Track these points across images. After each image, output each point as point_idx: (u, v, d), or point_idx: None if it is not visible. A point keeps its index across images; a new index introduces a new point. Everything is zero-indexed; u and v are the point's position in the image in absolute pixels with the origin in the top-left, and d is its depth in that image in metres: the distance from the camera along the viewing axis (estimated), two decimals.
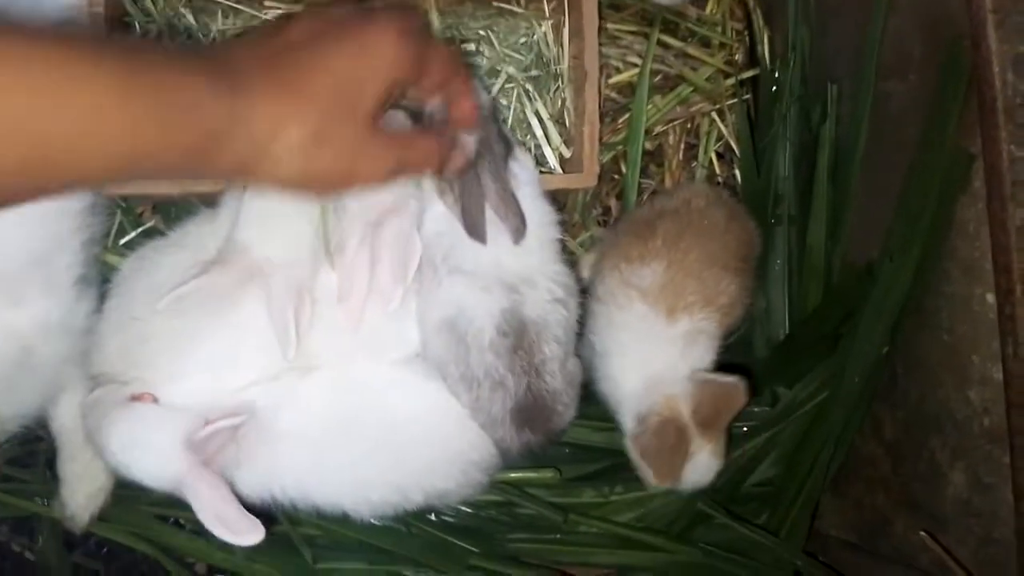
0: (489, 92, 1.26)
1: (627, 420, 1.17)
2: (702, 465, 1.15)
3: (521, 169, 1.14)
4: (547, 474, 1.29)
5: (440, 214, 1.10)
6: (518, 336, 1.08)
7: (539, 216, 1.14)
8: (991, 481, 1.08)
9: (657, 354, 1.15)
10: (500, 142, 1.10)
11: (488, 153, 1.06)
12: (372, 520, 1.17)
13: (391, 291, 1.03)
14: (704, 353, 1.18)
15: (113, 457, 1.01)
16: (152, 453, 0.98)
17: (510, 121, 1.37)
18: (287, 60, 0.73)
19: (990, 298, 1.05)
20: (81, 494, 1.19)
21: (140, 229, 1.30)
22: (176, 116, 0.63)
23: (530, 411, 1.10)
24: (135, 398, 1.03)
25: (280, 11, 1.30)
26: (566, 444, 1.32)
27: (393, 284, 1.03)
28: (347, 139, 0.75)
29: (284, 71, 0.72)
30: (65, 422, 1.21)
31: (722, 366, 1.20)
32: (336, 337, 1.09)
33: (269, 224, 1.05)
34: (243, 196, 1.08)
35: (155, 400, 1.03)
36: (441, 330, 1.09)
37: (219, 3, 1.29)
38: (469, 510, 1.29)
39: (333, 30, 0.77)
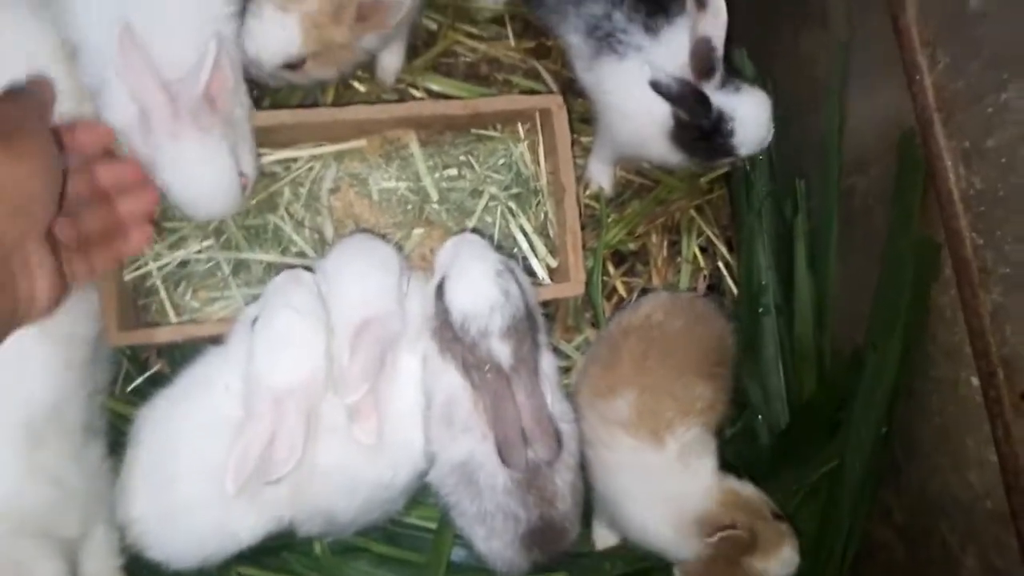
0: (486, 236, 1.30)
1: (669, 551, 1.17)
2: (787, 560, 1.15)
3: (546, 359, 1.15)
4: None
5: (453, 384, 1.11)
6: (532, 476, 1.09)
7: (551, 371, 1.16)
8: (1002, 565, 1.08)
9: (663, 483, 1.16)
10: (534, 347, 1.10)
11: (523, 366, 1.07)
12: None
13: (357, 385, 1.05)
14: (706, 459, 1.19)
15: None
16: None
17: (496, 237, 1.42)
18: None
19: (975, 381, 1.07)
20: None
21: (146, 375, 1.34)
22: None
23: (540, 535, 1.12)
24: None
25: (271, 157, 1.38)
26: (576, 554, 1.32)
27: (361, 379, 1.05)
28: None
29: None
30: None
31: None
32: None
33: (283, 351, 1.08)
34: (253, 329, 1.11)
35: None
36: (453, 472, 1.11)
37: None
38: None
39: None
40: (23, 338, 1.14)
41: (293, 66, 1.25)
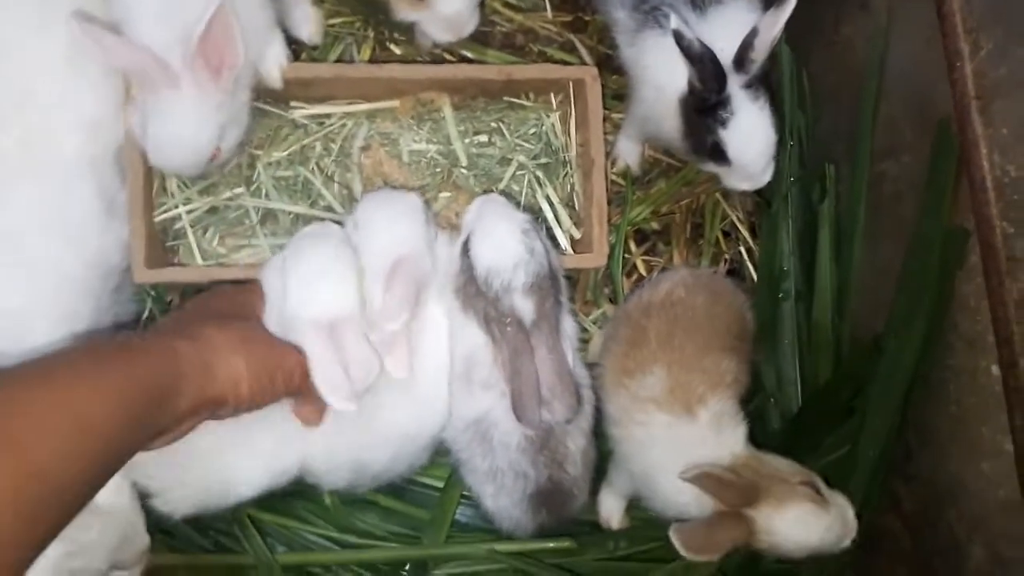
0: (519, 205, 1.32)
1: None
2: (798, 520, 1.10)
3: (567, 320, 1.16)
4: (564, 543, 1.30)
5: (474, 341, 1.12)
6: (545, 438, 1.11)
7: (572, 332, 1.17)
8: (1011, 555, 1.08)
9: (696, 453, 1.15)
10: (556, 306, 1.11)
11: (545, 322, 1.08)
12: None
13: (396, 315, 1.06)
14: (737, 429, 1.20)
15: None
16: None
17: (522, 205, 1.43)
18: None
19: (995, 370, 1.07)
20: None
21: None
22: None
23: (548, 496, 1.13)
24: None
25: (305, 111, 1.39)
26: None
27: (399, 309, 1.07)
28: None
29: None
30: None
31: None
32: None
33: (318, 283, 1.09)
34: (284, 267, 1.11)
35: None
36: (468, 428, 1.13)
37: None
38: None
39: None
40: (63, 259, 1.17)
41: None
